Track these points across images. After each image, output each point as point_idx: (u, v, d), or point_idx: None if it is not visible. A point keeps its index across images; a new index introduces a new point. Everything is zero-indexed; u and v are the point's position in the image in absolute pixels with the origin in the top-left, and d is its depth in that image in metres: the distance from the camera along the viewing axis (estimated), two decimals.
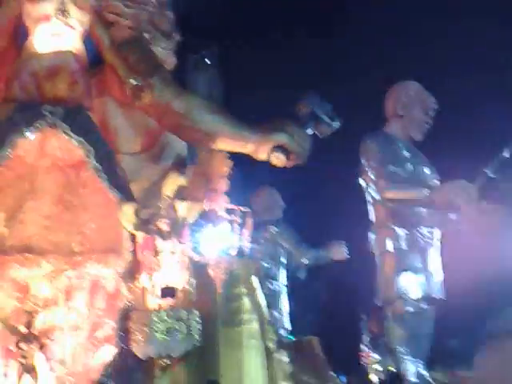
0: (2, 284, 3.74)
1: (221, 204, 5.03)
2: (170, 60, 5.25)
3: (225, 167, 5.07)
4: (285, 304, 8.19)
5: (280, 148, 4.00)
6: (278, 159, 4.03)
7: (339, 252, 8.33)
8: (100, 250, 3.87)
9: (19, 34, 4.44)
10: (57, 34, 4.05)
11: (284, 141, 3.96)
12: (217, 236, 4.87)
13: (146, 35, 5.09)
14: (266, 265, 7.62)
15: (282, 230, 7.97)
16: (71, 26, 4.10)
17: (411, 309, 5.52)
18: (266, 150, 4.03)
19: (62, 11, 4.03)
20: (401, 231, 5.66)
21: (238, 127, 4.15)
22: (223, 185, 5.08)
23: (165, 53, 5.16)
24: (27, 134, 3.87)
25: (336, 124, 4.15)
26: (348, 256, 8.47)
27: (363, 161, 5.87)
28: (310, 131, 4.10)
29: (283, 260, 8.08)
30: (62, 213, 3.93)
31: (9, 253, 3.77)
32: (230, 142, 4.20)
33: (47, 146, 3.99)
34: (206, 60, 6.98)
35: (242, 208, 4.40)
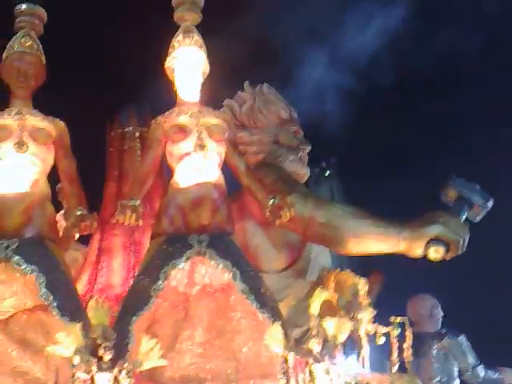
0: None
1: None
2: (302, 172, 5.23)
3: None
4: None
5: (436, 241, 3.76)
6: (438, 252, 3.77)
7: None
8: (255, 376, 3.72)
9: (163, 172, 4.61)
10: (197, 169, 4.13)
11: (440, 232, 3.71)
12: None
13: (275, 154, 5.28)
14: (437, 379, 7.00)
15: (455, 343, 7.17)
16: (210, 159, 4.18)
17: None
18: (422, 245, 3.78)
19: (201, 146, 4.13)
20: None
21: (387, 227, 3.97)
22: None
23: (295, 165, 5.21)
24: (179, 264, 3.87)
25: (490, 203, 3.86)
26: None
27: None
28: (463, 217, 3.80)
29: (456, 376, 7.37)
30: (216, 339, 3.85)
31: None
32: (382, 243, 4.01)
33: (196, 274, 3.97)
34: (327, 172, 7.04)
35: (399, 318, 4.13)
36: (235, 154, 4.42)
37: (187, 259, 3.96)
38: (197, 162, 4.19)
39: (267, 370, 3.74)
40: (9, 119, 4.20)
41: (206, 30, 4.53)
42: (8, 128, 4.14)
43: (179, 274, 3.99)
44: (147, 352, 3.41)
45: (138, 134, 5.04)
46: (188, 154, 4.20)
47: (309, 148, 5.26)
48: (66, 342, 3.36)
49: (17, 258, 3.84)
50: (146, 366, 3.42)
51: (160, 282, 3.87)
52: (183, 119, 4.29)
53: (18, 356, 3.75)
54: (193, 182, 4.16)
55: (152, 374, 3.74)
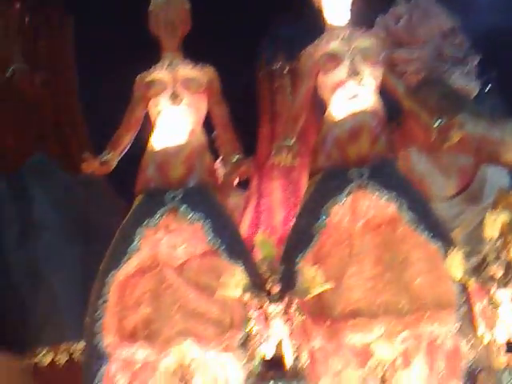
0: (341, 351, 3.57)
1: None
2: (470, 86, 4.80)
3: None
4: None
5: None
6: None
7: None
8: (431, 307, 3.49)
9: (315, 106, 4.39)
10: (352, 98, 3.91)
11: None
12: None
13: (438, 70, 4.82)
14: None
15: None
16: (365, 85, 3.92)
17: None
18: None
19: (355, 72, 3.90)
20: None
21: None
22: None
23: (462, 80, 4.77)
24: (340, 200, 3.73)
25: None
26: None
27: None
28: None
29: None
30: (385, 273, 3.66)
31: (340, 320, 3.59)
32: None
33: (359, 208, 3.76)
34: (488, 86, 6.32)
35: None
36: (393, 76, 4.13)
37: (348, 194, 3.78)
38: (351, 90, 3.96)
39: (443, 300, 3.50)
40: (162, 72, 4.22)
41: None
42: (162, 81, 4.18)
43: (341, 210, 3.80)
44: (311, 280, 3.38)
45: (287, 70, 4.83)
46: (342, 82, 3.97)
47: (477, 59, 4.73)
48: (233, 283, 3.42)
49: (183, 207, 3.90)
50: (314, 292, 3.38)
51: (322, 220, 3.74)
52: (334, 45, 4.05)
53: (195, 299, 3.85)
54: (349, 112, 3.93)
55: (322, 310, 3.67)
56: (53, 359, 4.16)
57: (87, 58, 5.56)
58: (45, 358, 4.17)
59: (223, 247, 3.80)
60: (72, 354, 3.97)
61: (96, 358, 3.70)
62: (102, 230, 4.09)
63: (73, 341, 3.87)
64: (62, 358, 4.14)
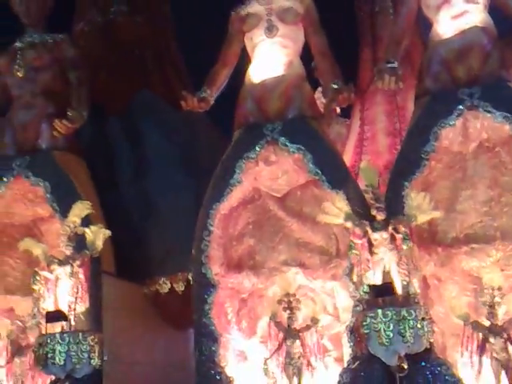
0: (454, 277, 3.37)
1: None
2: None
3: None
4: None
5: None
6: None
7: None
8: None
9: (420, 28, 4.17)
10: (459, 15, 3.60)
11: None
12: None
13: None
14: None
15: None
16: (474, 2, 3.61)
17: None
18: None
19: None
20: None
21: None
22: None
23: None
24: (449, 122, 3.47)
25: None
26: None
27: None
28: None
29: None
30: (501, 196, 3.43)
31: (454, 245, 3.38)
32: None
33: (470, 130, 3.51)
34: None
35: None
36: None
37: (458, 116, 3.49)
38: (458, 8, 3.64)
39: None
40: (256, 5, 4.10)
41: None
42: (258, 15, 4.07)
43: (451, 133, 3.53)
44: (418, 206, 3.17)
45: None
46: (447, 1, 3.67)
47: None
48: (335, 210, 3.30)
49: (282, 138, 3.79)
50: (421, 219, 3.19)
51: (431, 143, 3.48)
52: None
53: (298, 228, 3.76)
54: (456, 31, 3.62)
55: (433, 236, 3.46)
56: (171, 287, 4.21)
57: None
58: (164, 286, 4.23)
59: (324, 177, 3.66)
60: (189, 281, 4.01)
61: (205, 286, 3.70)
62: (209, 163, 4.03)
63: (189, 270, 3.90)
64: (180, 286, 4.19)
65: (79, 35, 4.95)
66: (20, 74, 4.28)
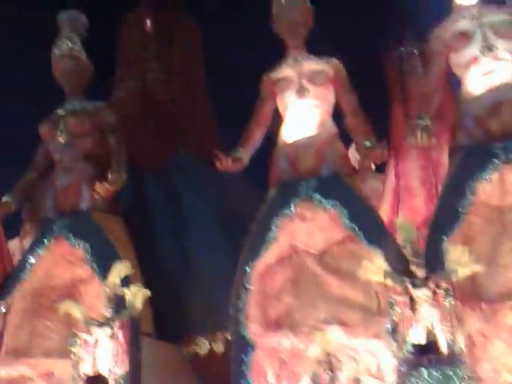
0: (501, 333, 3.28)
1: None
2: None
3: None
4: None
5: None
6: None
7: None
8: None
9: (451, 85, 4.16)
10: (489, 72, 3.67)
11: None
12: None
13: None
14: None
15: None
16: (502, 59, 3.67)
17: None
18: None
19: (489, 47, 3.67)
20: None
21: None
22: None
23: None
24: (484, 176, 3.48)
25: None
26: None
27: None
28: None
29: None
30: None
31: (497, 301, 3.32)
32: None
33: (507, 184, 3.49)
34: None
35: None
36: None
37: (494, 170, 3.50)
38: (487, 66, 3.70)
39: None
40: (287, 69, 4.23)
41: None
42: (288, 78, 4.18)
43: (488, 187, 3.52)
44: (458, 260, 3.14)
45: (416, 52, 4.58)
46: (475, 59, 3.73)
47: None
48: (373, 269, 3.28)
49: (317, 195, 3.81)
50: (461, 273, 3.15)
51: (468, 197, 3.48)
52: (464, 24, 3.84)
53: (337, 285, 3.73)
54: (486, 87, 3.67)
55: (475, 292, 3.41)
56: (211, 347, 4.17)
57: (213, 58, 5.58)
58: (203, 346, 4.18)
59: (361, 233, 3.65)
60: (229, 342, 3.95)
61: (243, 346, 3.65)
62: (244, 221, 4.05)
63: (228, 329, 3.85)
64: (220, 347, 4.14)
65: (117, 101, 5.09)
66: (62, 140, 4.41)
